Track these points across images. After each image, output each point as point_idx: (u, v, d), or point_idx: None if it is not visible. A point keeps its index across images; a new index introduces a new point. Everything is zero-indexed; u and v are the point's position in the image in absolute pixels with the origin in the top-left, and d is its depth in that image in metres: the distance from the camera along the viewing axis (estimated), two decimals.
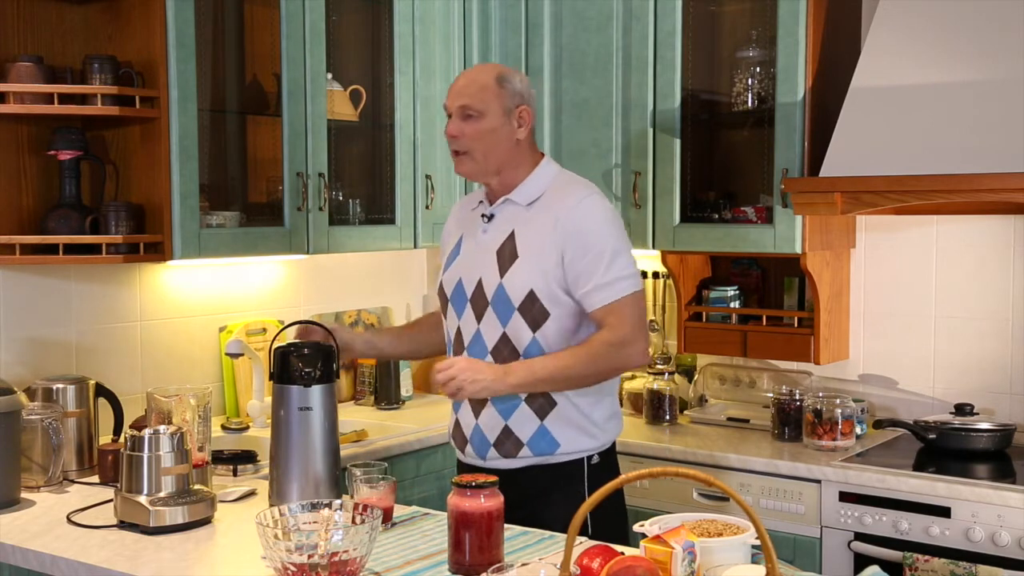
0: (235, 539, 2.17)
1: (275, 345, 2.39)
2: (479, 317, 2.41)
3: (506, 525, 1.97)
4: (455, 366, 2.31)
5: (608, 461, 2.46)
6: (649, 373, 3.48)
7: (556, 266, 2.34)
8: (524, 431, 2.38)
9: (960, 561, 2.61)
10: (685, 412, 3.50)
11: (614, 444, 2.51)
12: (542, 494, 2.38)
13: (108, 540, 2.14)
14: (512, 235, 2.40)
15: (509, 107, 2.40)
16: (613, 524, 2.36)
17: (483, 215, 2.48)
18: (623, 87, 3.41)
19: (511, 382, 2.32)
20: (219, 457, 2.69)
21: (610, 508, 2.35)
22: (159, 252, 2.83)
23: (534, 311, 2.34)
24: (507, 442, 2.39)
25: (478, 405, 2.43)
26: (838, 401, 3.04)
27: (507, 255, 2.39)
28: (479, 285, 2.41)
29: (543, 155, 2.50)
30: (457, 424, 2.51)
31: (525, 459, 2.40)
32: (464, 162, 2.43)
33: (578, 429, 2.39)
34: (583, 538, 2.05)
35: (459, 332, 2.48)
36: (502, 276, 2.37)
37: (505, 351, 2.38)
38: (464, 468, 2.51)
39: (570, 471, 2.40)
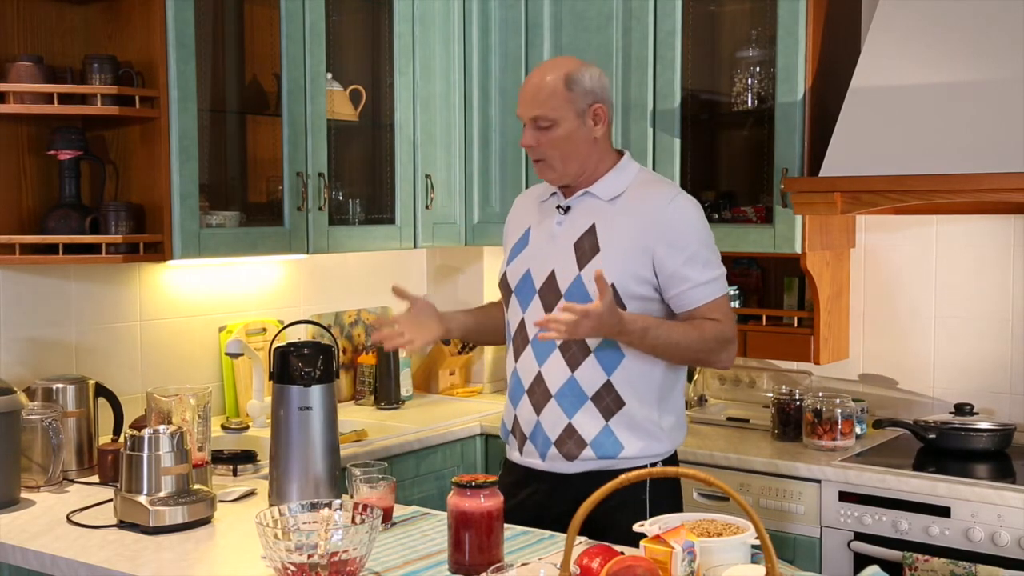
0: (235, 539, 2.17)
1: (275, 345, 2.39)
2: (548, 309, 2.33)
3: (506, 525, 1.97)
4: (591, 316, 2.14)
5: (669, 466, 2.41)
6: None
7: (642, 264, 2.30)
8: (588, 430, 2.32)
9: (960, 561, 2.61)
10: (685, 412, 3.50)
11: (676, 453, 2.47)
12: (602, 502, 2.34)
13: (108, 540, 2.14)
14: (593, 228, 2.35)
15: (582, 108, 2.34)
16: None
17: (559, 207, 2.43)
18: (623, 87, 3.41)
19: (620, 339, 2.26)
20: (219, 457, 2.69)
21: (671, 509, 2.29)
22: (159, 252, 2.83)
23: None
24: (569, 441, 2.33)
25: (541, 401, 2.37)
26: (838, 401, 3.04)
27: (587, 248, 2.33)
28: (551, 277, 2.36)
29: (623, 152, 2.46)
30: (516, 421, 2.43)
31: (586, 462, 2.34)
32: (544, 170, 2.39)
33: (644, 433, 2.35)
34: (583, 538, 2.05)
35: (522, 324, 2.41)
36: (581, 269, 2.32)
37: (574, 346, 2.32)
38: (513, 469, 2.44)
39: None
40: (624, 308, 2.30)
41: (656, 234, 2.31)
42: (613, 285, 2.28)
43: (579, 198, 2.40)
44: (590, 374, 2.32)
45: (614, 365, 2.32)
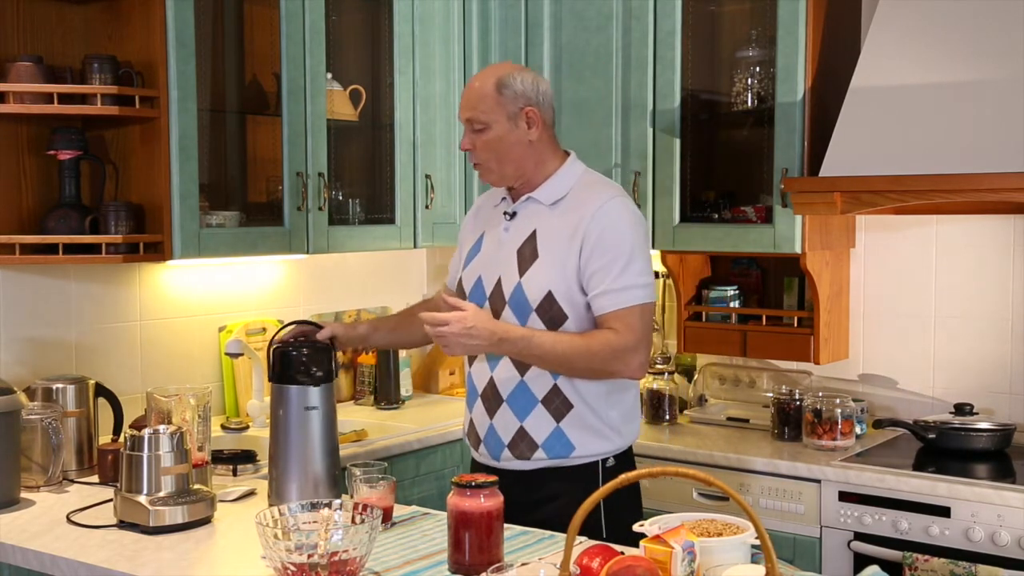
0: (235, 539, 2.17)
1: (274, 345, 2.39)
2: (497, 316, 2.37)
3: (506, 525, 1.97)
4: (451, 324, 2.24)
5: (624, 465, 2.42)
6: (649, 373, 3.48)
7: (575, 267, 2.31)
8: (539, 433, 2.35)
9: (960, 561, 2.61)
10: (685, 412, 3.50)
11: (631, 448, 2.48)
12: (555, 497, 2.37)
13: (108, 540, 2.14)
14: (534, 234, 2.37)
15: (513, 111, 2.37)
16: (628, 524, 2.34)
17: (505, 212, 2.46)
18: (623, 87, 3.41)
19: (504, 350, 2.29)
20: (219, 457, 2.69)
21: (625, 508, 2.33)
22: (159, 252, 2.83)
23: (552, 312, 2.31)
24: (521, 444, 2.37)
25: (493, 405, 2.40)
26: (838, 401, 3.04)
27: (528, 254, 2.36)
28: (498, 284, 2.39)
29: (568, 153, 2.47)
30: (472, 423, 2.48)
31: (539, 461, 2.37)
32: (483, 173, 2.45)
33: (594, 432, 2.36)
34: (583, 538, 2.05)
35: None
36: (521, 276, 2.34)
37: None
38: (478, 467, 2.49)
39: (584, 474, 2.37)
40: (567, 317, 2.31)
41: (584, 236, 2.31)
42: (551, 292, 2.31)
43: (523, 203, 2.43)
44: (538, 377, 2.35)
45: None
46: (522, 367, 2.35)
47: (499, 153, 2.39)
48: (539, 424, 2.35)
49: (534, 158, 2.41)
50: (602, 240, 2.31)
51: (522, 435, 2.37)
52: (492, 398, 2.40)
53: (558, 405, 2.34)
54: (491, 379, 2.40)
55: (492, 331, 2.26)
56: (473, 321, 2.24)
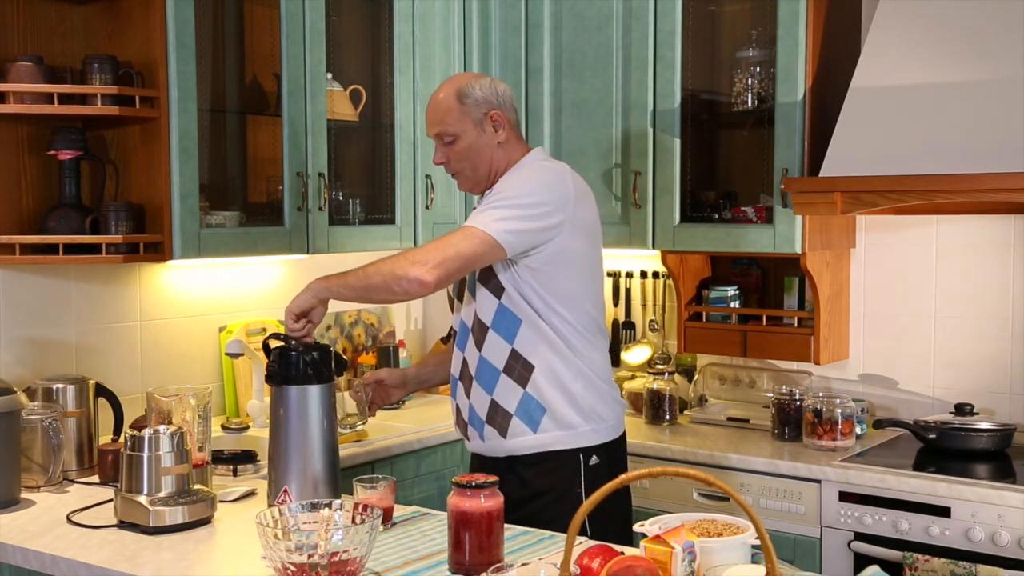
0: (235, 539, 2.17)
1: (273, 345, 2.39)
2: (464, 302, 2.50)
3: (506, 525, 1.97)
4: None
5: (608, 463, 2.45)
6: (649, 373, 3.48)
7: None
8: (509, 402, 2.41)
9: (960, 561, 2.61)
10: (685, 412, 3.50)
11: (616, 444, 2.50)
12: (538, 495, 2.39)
13: (108, 540, 2.14)
14: None
15: (478, 118, 2.45)
16: (613, 524, 2.36)
17: (474, 207, 2.54)
18: (623, 87, 3.41)
19: (329, 282, 2.36)
20: (219, 457, 2.69)
21: (609, 508, 2.34)
22: (159, 252, 2.83)
23: (490, 284, 2.40)
24: (497, 416, 2.43)
25: (467, 385, 2.47)
26: (838, 401, 3.04)
27: None
28: (470, 275, 2.47)
29: (530, 149, 2.54)
30: (457, 409, 2.55)
31: (519, 437, 2.40)
32: (461, 181, 2.55)
33: (560, 391, 2.40)
34: (583, 538, 2.05)
35: (460, 322, 2.53)
36: None
37: (477, 329, 2.43)
38: (474, 459, 2.55)
39: (567, 471, 2.40)
40: (503, 288, 2.38)
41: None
42: (491, 266, 2.38)
43: (485, 197, 2.50)
44: (494, 348, 2.41)
45: (513, 332, 2.40)
46: (480, 343, 2.43)
47: (473, 161, 2.48)
48: (507, 393, 2.41)
49: (505, 158, 2.49)
50: (502, 182, 2.42)
51: (495, 407, 2.43)
52: (466, 379, 2.48)
53: (519, 370, 2.40)
54: (464, 360, 2.49)
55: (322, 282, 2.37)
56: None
